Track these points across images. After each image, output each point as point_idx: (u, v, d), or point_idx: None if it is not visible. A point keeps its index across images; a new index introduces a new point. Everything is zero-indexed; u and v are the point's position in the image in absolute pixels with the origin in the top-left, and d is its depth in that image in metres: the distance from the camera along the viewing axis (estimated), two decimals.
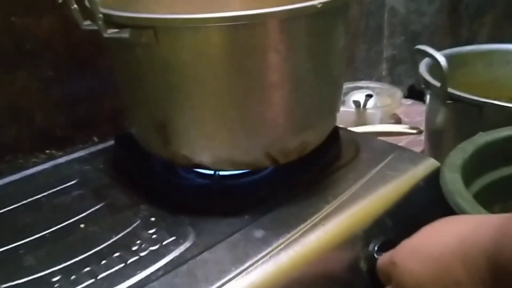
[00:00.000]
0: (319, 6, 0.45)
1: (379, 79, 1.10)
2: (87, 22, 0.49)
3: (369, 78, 1.08)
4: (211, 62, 0.46)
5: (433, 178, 0.55)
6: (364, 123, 0.90)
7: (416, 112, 1.02)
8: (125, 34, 0.46)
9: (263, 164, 0.52)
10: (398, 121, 1.00)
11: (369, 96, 0.90)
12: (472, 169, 0.56)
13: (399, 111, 1.02)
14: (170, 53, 0.46)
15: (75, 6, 0.48)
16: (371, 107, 0.91)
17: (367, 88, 1.00)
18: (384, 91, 1.01)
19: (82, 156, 0.64)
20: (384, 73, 1.11)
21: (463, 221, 0.41)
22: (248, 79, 0.47)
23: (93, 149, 0.66)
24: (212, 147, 0.50)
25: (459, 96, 0.66)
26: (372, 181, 0.54)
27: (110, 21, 0.46)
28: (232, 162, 0.51)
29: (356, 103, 0.88)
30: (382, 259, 0.46)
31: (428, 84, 0.71)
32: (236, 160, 0.51)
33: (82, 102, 0.71)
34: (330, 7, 0.46)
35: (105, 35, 0.46)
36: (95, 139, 0.73)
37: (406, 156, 0.59)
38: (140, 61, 0.48)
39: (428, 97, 0.75)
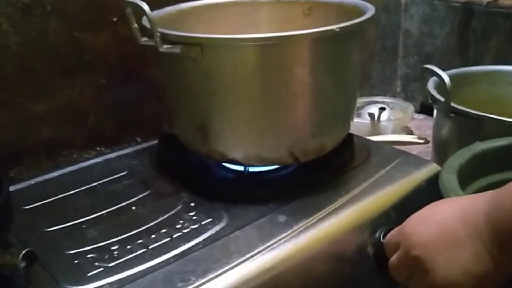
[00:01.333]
0: (337, 30, 0.54)
1: (393, 95, 1.19)
2: (144, 39, 0.59)
3: (384, 94, 1.17)
4: (246, 74, 0.56)
5: (434, 179, 0.63)
6: (377, 134, 0.98)
7: (427, 126, 1.10)
8: (177, 49, 0.56)
9: (286, 161, 0.61)
10: (409, 133, 1.09)
11: (382, 109, 0.99)
12: (468, 173, 0.64)
13: (411, 125, 1.10)
14: (212, 66, 0.56)
15: (136, 25, 0.59)
16: (384, 120, 1.00)
17: (382, 102, 1.09)
18: (397, 105, 1.09)
19: (129, 153, 0.74)
20: (398, 89, 1.19)
21: (463, 197, 0.49)
22: (276, 89, 0.56)
23: (138, 147, 0.76)
24: (243, 146, 0.60)
25: (461, 110, 0.74)
26: (380, 180, 0.63)
27: (164, 38, 0.56)
28: (260, 158, 0.60)
29: (371, 115, 0.97)
30: (391, 233, 0.53)
31: (434, 99, 0.80)
32: (263, 157, 0.60)
33: (128, 106, 0.81)
34: (346, 31, 0.56)
35: (161, 50, 0.56)
36: (138, 139, 0.83)
37: (411, 160, 0.68)
38: (187, 71, 0.58)
39: (435, 111, 0.83)
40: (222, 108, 0.58)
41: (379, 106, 1.01)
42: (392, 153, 0.70)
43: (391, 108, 1.08)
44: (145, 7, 0.55)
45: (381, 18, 1.10)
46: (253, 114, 0.58)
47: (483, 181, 0.67)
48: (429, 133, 1.10)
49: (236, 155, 0.60)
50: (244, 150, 0.60)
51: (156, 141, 0.75)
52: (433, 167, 0.67)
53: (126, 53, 0.78)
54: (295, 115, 0.58)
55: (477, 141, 0.68)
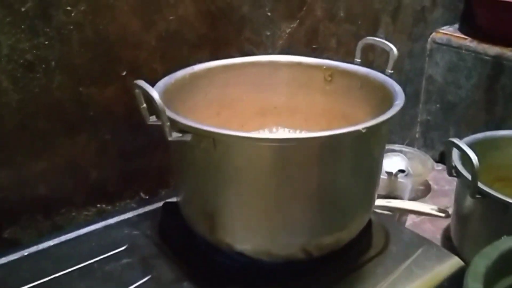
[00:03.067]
0: (363, 131, 0.49)
1: (412, 141, 1.14)
2: (153, 118, 0.54)
3: (402, 139, 1.12)
4: (261, 169, 0.51)
5: (456, 278, 0.59)
6: (394, 191, 0.93)
7: (446, 180, 1.05)
8: (187, 138, 0.51)
9: (298, 257, 0.56)
10: (427, 188, 1.04)
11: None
12: (494, 273, 0.59)
13: (430, 176, 1.05)
14: (224, 158, 0.51)
15: (144, 105, 0.54)
16: (402, 176, 0.95)
17: (400, 151, 1.04)
18: (416, 157, 1.04)
19: (130, 218, 0.70)
20: (417, 135, 1.14)
21: None
22: (292, 186, 0.51)
23: (140, 210, 0.71)
24: (253, 240, 0.55)
25: (488, 193, 0.69)
26: (399, 279, 0.58)
27: (175, 125, 0.51)
28: (269, 254, 0.56)
29: (388, 173, 0.92)
30: None
31: (459, 174, 0.75)
32: (273, 253, 0.56)
33: (132, 160, 0.76)
34: (372, 130, 0.51)
35: (169, 139, 0.51)
36: (142, 194, 0.78)
37: (433, 253, 0.63)
38: (197, 159, 0.53)
39: (458, 183, 0.78)
40: (233, 200, 0.53)
41: (398, 162, 0.96)
42: (412, 241, 0.65)
43: (409, 159, 1.02)
44: (155, 95, 0.50)
45: (404, 64, 1.05)
46: (266, 209, 0.53)
47: (508, 281, 0.62)
48: (448, 188, 1.06)
49: (245, 248, 0.56)
50: (254, 244, 0.55)
51: (160, 202, 0.71)
52: (456, 263, 0.62)
53: (134, 106, 0.73)
54: (311, 212, 0.54)
55: (504, 236, 0.63)
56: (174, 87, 0.63)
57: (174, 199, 0.64)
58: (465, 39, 1.01)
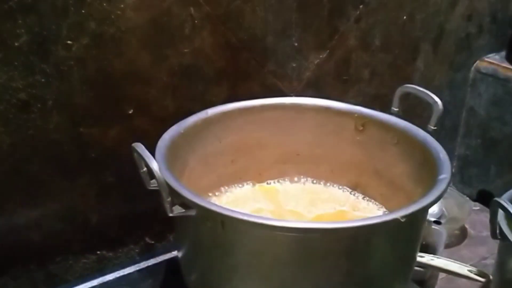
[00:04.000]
0: (403, 220, 0.41)
1: None
2: (154, 183, 0.47)
3: None
4: (276, 259, 0.43)
5: None
6: (426, 237, 0.84)
7: (484, 225, 0.95)
8: (191, 213, 0.43)
9: None
10: (463, 232, 0.94)
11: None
12: None
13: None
14: (234, 241, 0.44)
15: (144, 169, 0.46)
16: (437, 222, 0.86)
17: None
18: (452, 197, 0.95)
19: (130, 274, 0.63)
20: (454, 170, 1.04)
21: None
22: (313, 279, 0.43)
23: (143, 264, 0.64)
24: None
25: None
26: None
27: (178, 198, 0.44)
28: None
29: None
30: None
31: (504, 237, 0.65)
32: None
33: (137, 203, 0.69)
34: (413, 217, 0.43)
35: (170, 215, 0.43)
36: (148, 239, 0.71)
37: None
38: (202, 236, 0.46)
39: (501, 245, 0.69)
40: (239, 285, 0.46)
41: (434, 212, 0.87)
42: None
43: (445, 198, 0.93)
44: (155, 166, 0.42)
45: (443, 94, 0.95)
46: None
47: None
48: (486, 235, 0.96)
49: None
50: None
51: (166, 254, 0.64)
52: None
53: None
54: None
55: None
56: (183, 136, 0.55)
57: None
58: None
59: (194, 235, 0.46)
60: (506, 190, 0.98)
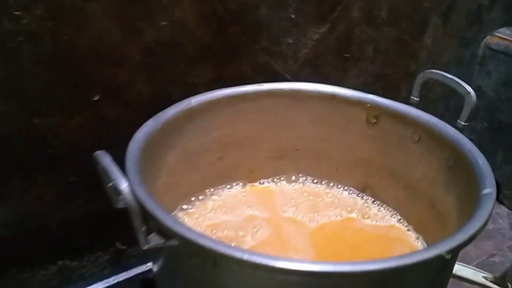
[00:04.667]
0: (448, 257, 0.32)
1: None
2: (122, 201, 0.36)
3: None
4: None
5: None
6: None
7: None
8: (173, 243, 0.33)
9: None
10: None
11: None
12: None
13: None
14: (228, 280, 0.34)
15: (111, 184, 0.36)
16: None
17: None
18: None
19: None
20: None
21: None
22: None
23: (112, 280, 0.55)
24: None
25: None
26: None
27: (156, 225, 0.34)
28: None
29: None
30: None
31: None
32: None
33: (105, 204, 0.59)
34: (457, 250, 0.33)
35: (144, 248, 0.33)
36: (119, 244, 0.61)
37: None
38: (187, 269, 0.36)
39: None
40: None
41: None
42: None
43: None
44: (123, 186, 0.32)
45: (450, 73, 0.85)
46: None
47: None
48: (492, 227, 0.89)
49: None
50: None
51: (141, 266, 0.54)
52: None
53: (110, 140, 0.55)
54: None
55: None
56: (161, 133, 0.45)
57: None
58: None
59: (176, 267, 0.37)
60: None
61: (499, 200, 0.91)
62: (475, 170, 0.41)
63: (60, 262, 0.58)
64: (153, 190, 0.44)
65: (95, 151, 0.55)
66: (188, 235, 0.32)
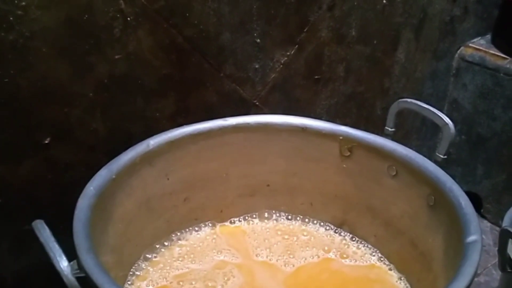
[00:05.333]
0: None
1: None
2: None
3: None
4: None
5: None
6: None
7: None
8: None
9: None
10: None
11: None
12: None
13: None
14: None
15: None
16: None
17: None
18: None
19: None
20: None
21: None
22: None
23: None
24: None
25: None
26: None
27: None
28: None
29: None
30: None
31: None
32: None
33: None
34: None
35: None
36: None
37: None
38: None
39: (507, 278, 0.59)
40: None
41: None
42: None
43: None
44: (63, 266, 0.28)
45: (425, 87, 0.83)
46: None
47: None
48: None
49: None
50: None
51: None
52: None
53: (65, 182, 0.51)
54: None
55: None
56: (116, 183, 0.41)
57: None
58: (505, 58, 0.79)
59: None
60: (494, 192, 0.89)
61: (481, 214, 0.89)
62: (457, 212, 0.38)
63: None
64: (109, 245, 0.40)
65: (49, 196, 0.51)
66: None
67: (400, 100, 0.48)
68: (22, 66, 0.44)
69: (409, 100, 0.47)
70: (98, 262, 0.32)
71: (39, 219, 0.33)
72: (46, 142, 0.48)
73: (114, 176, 0.40)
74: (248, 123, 0.49)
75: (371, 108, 0.77)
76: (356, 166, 0.48)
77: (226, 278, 0.45)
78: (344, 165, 0.48)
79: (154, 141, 0.44)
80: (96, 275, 0.30)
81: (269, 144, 0.49)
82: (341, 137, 0.48)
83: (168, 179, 0.46)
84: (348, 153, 0.48)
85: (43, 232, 0.30)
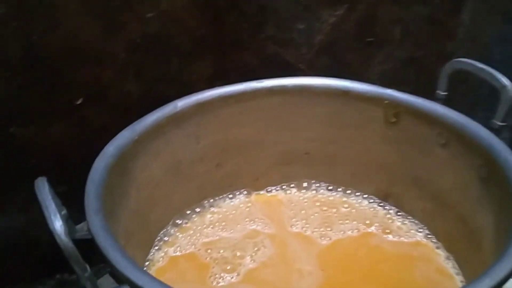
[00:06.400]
0: None
1: None
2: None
3: None
4: None
5: None
6: None
7: None
8: None
9: None
10: None
11: None
12: None
13: None
14: None
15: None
16: None
17: None
18: None
19: None
20: None
21: None
22: None
23: None
24: None
25: None
26: None
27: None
28: None
29: None
30: None
31: None
32: None
33: None
34: None
35: None
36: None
37: None
38: None
39: None
40: None
41: None
42: None
43: None
44: (56, 226, 0.26)
45: (494, 52, 0.76)
46: None
47: None
48: None
49: None
50: None
51: None
52: None
53: (97, 146, 0.50)
54: None
55: None
56: (139, 144, 0.39)
57: None
58: None
59: None
60: None
61: None
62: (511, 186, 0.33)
63: (58, 276, 0.54)
64: (132, 209, 0.39)
65: (82, 160, 0.50)
66: (140, 282, 0.26)
67: (454, 60, 0.43)
68: (50, 23, 0.43)
69: (463, 60, 0.42)
70: (106, 225, 0.30)
71: (41, 177, 0.31)
72: (78, 103, 0.47)
73: (137, 137, 0.39)
74: (285, 86, 0.45)
75: (431, 75, 0.71)
76: (403, 134, 0.43)
77: (256, 248, 0.43)
78: (390, 133, 0.44)
79: (182, 103, 0.42)
80: (101, 238, 0.28)
81: (307, 108, 0.46)
82: (386, 101, 0.43)
83: (198, 143, 0.44)
84: (394, 119, 0.43)
85: (43, 190, 0.29)
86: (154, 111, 0.41)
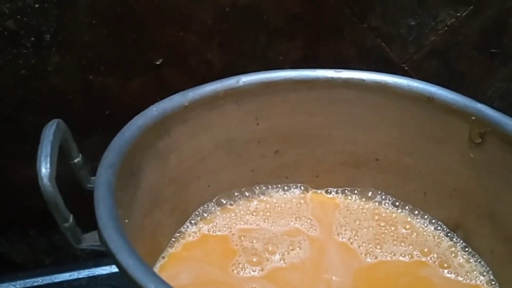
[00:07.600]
0: None
1: None
2: None
3: None
4: None
5: None
6: None
7: None
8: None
9: None
10: None
11: None
12: None
13: None
14: None
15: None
16: None
17: None
18: None
19: None
20: None
21: None
22: None
23: None
24: None
25: None
26: None
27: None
28: None
29: None
30: None
31: None
32: None
33: None
34: None
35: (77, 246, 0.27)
36: None
37: None
38: None
39: None
40: None
41: None
42: None
43: None
44: (42, 170, 0.25)
45: None
46: None
47: None
48: None
49: None
50: None
51: None
52: None
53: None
54: None
55: None
56: (188, 111, 0.38)
57: None
58: None
59: None
60: None
61: None
62: None
63: None
64: (169, 175, 0.38)
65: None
66: (114, 250, 0.24)
67: None
68: None
69: None
70: (112, 180, 0.29)
71: (56, 119, 0.31)
72: (158, 63, 0.47)
73: (187, 104, 0.37)
74: (363, 80, 0.41)
75: None
76: (486, 158, 0.37)
77: (290, 248, 0.39)
78: (472, 154, 0.38)
79: (246, 79, 0.40)
80: (99, 191, 0.27)
81: (385, 109, 0.41)
82: (473, 117, 0.37)
83: (258, 124, 0.42)
84: (479, 140, 0.37)
85: (48, 131, 0.28)
86: (214, 82, 0.40)
